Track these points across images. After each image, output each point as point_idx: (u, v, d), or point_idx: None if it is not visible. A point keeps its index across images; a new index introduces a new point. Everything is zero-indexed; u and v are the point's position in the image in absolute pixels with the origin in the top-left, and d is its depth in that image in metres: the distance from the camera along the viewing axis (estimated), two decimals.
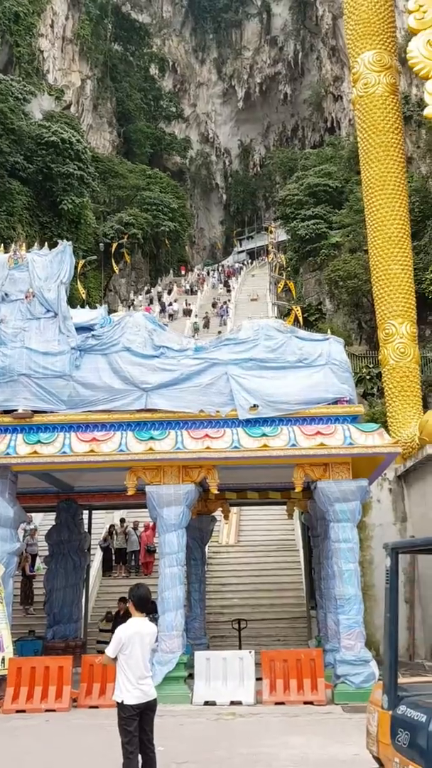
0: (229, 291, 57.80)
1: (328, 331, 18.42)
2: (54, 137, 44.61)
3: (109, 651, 6.66)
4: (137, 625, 6.66)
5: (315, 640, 16.15)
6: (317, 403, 12.65)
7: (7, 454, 12.08)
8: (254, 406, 12.47)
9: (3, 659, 11.45)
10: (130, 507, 19.52)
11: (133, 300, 54.71)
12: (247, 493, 16.64)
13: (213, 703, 11.63)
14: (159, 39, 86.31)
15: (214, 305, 50.03)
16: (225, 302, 52.08)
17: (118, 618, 14.64)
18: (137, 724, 6.43)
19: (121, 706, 6.48)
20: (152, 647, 6.83)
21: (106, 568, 21.52)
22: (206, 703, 11.68)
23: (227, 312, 48.77)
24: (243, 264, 75.38)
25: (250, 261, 77.72)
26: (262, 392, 12.58)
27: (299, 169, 54.52)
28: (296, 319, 36.62)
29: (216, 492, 13.04)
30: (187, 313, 50.66)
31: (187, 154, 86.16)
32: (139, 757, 6.47)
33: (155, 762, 6.59)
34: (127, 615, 14.62)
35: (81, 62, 65.00)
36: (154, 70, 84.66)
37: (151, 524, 20.41)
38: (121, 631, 6.65)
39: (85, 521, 18.04)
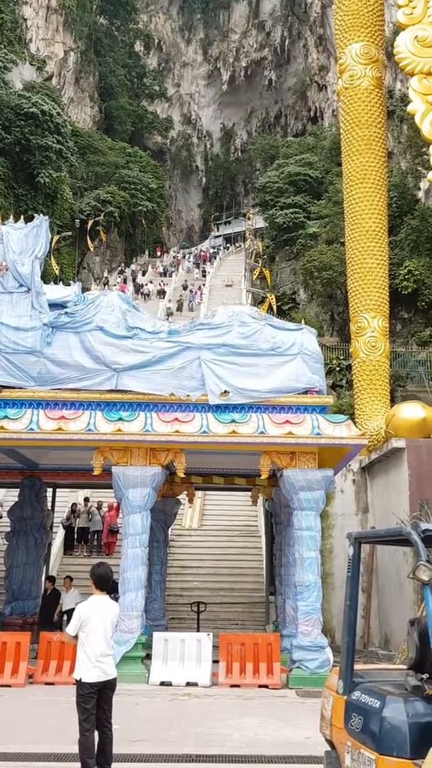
0: (204, 275, 57.63)
1: (302, 321, 18.54)
2: (34, 108, 43.78)
3: (70, 629, 6.69)
4: (98, 603, 6.69)
5: (273, 625, 16.38)
6: (288, 392, 12.75)
7: None
8: (225, 392, 12.51)
9: None
10: (95, 487, 19.50)
11: (107, 278, 54.21)
12: (213, 477, 16.74)
13: (169, 684, 11.75)
14: (146, 15, 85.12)
15: (185, 288, 49.80)
16: (200, 287, 51.91)
17: (45, 596, 14.86)
18: (95, 702, 6.47)
19: (79, 684, 6.51)
20: (113, 626, 6.85)
21: (68, 547, 21.49)
22: (162, 684, 11.79)
23: (200, 297, 48.61)
24: (219, 249, 75.15)
25: (226, 246, 77.53)
26: (233, 379, 12.62)
27: (280, 156, 54.44)
28: (270, 308, 36.70)
29: (182, 475, 13.10)
30: (161, 294, 50.43)
31: (168, 134, 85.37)
32: (96, 734, 6.51)
33: (111, 740, 6.64)
34: (54, 594, 14.71)
35: (65, 33, 63.76)
36: (139, 46, 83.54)
37: (114, 504, 20.42)
38: (82, 608, 6.68)
39: (49, 499, 17.96)
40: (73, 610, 13.68)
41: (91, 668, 6.49)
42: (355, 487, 18.34)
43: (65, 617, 14.76)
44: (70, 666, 11.86)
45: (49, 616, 15.60)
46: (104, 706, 6.58)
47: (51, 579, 16.49)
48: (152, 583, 15.56)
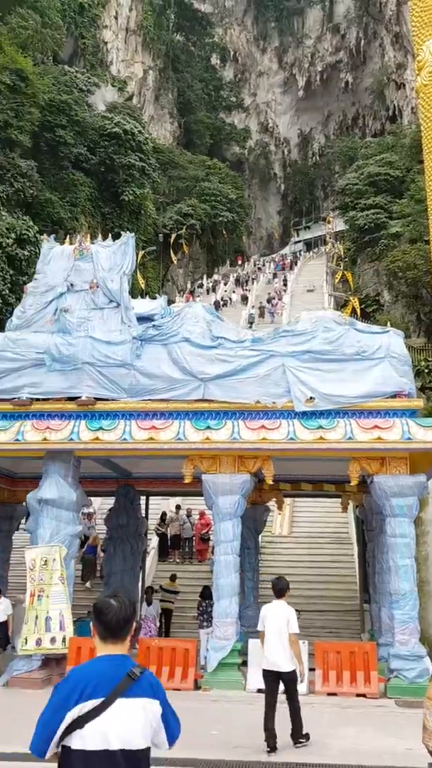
0: (285, 282, 57.57)
1: (387, 323, 18.22)
2: (116, 128, 45.17)
3: (260, 626, 8.46)
4: (274, 607, 8.43)
5: (368, 634, 16.11)
6: (375, 397, 12.57)
7: (71, 439, 12.45)
8: (311, 398, 12.47)
9: (64, 638, 11.84)
10: (187, 494, 19.81)
11: (192, 290, 55.04)
12: (301, 484, 16.67)
13: None
14: (221, 28, 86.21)
15: (269, 301, 49.88)
16: (279, 293, 51.78)
17: None
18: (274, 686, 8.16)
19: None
20: (287, 624, 8.18)
21: (161, 554, 21.92)
22: (260, 691, 11.76)
23: (282, 304, 48.45)
24: (299, 254, 74.79)
25: (306, 251, 77.07)
26: (319, 385, 12.57)
27: (359, 158, 53.79)
28: (354, 311, 36.24)
29: (270, 482, 13.14)
30: (244, 300, 50.66)
31: (246, 144, 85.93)
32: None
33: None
34: None
35: (143, 53, 65.52)
36: (215, 59, 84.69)
37: (205, 512, 20.67)
38: (264, 609, 8.54)
39: (143, 507, 18.40)
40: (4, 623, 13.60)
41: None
42: None
43: None
44: (169, 671, 12.14)
45: None
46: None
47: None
48: (245, 590, 15.66)
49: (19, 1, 39.13)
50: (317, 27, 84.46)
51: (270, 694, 8.24)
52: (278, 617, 8.27)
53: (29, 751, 2.83)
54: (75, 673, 2.96)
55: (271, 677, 8.28)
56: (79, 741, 2.77)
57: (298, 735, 8.24)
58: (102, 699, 2.80)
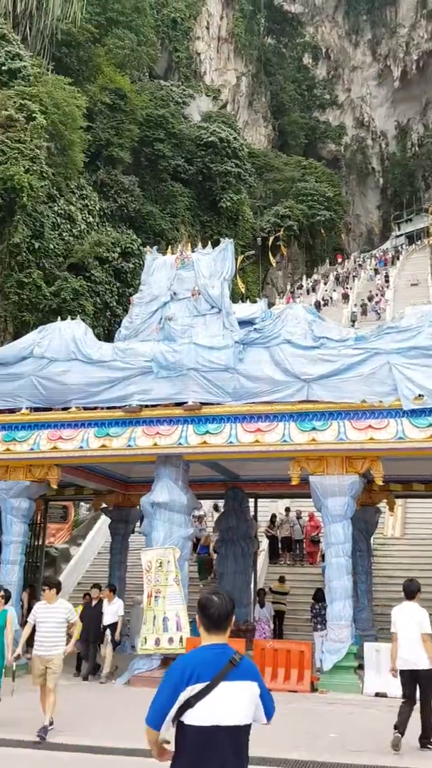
0: (387, 278, 56.25)
1: None
2: (212, 137, 45.85)
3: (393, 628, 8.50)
4: (408, 608, 8.45)
5: None
6: None
7: (180, 444, 12.77)
8: (419, 396, 12.14)
9: (181, 638, 12.13)
10: (295, 496, 19.77)
11: (292, 291, 54.88)
12: (413, 484, 16.25)
13: (384, 695, 11.53)
14: (312, 27, 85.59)
15: (370, 299, 48.83)
16: (382, 289, 50.61)
17: (90, 608, 13.80)
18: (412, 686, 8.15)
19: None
20: (420, 624, 8.23)
21: (272, 556, 21.99)
22: (377, 695, 11.62)
23: (384, 300, 47.33)
24: (401, 248, 72.79)
25: (408, 245, 74.90)
26: (427, 381, 12.21)
27: None
28: None
29: (380, 483, 12.90)
30: (345, 299, 49.92)
31: (341, 140, 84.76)
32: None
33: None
34: (99, 604, 14.07)
35: (236, 60, 66.18)
36: (307, 59, 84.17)
37: (314, 514, 20.54)
38: (395, 610, 8.57)
39: (251, 509, 18.54)
40: (114, 624, 13.61)
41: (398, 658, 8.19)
42: None
43: (107, 631, 13.67)
44: (285, 673, 12.17)
45: (95, 629, 13.72)
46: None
47: (97, 587, 14.82)
48: (358, 593, 15.43)
49: (115, 22, 40.57)
50: (411, 15, 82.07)
51: (409, 694, 8.22)
52: (411, 618, 8.34)
53: (146, 724, 3.31)
54: (184, 659, 3.39)
55: (409, 676, 8.25)
56: (191, 717, 3.22)
57: (428, 737, 8.10)
58: (207, 682, 3.24)
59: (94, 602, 14.10)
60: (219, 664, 3.28)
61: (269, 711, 3.46)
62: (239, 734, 3.27)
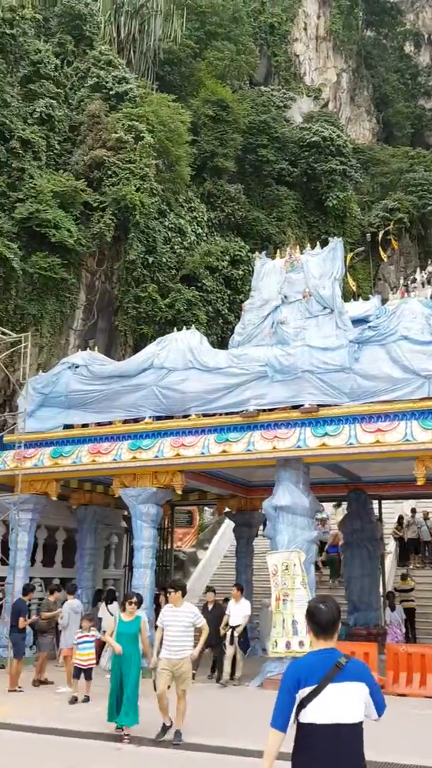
0: None
1: None
2: (315, 137, 45.42)
3: None
4: None
5: None
6: None
7: (299, 447, 12.77)
8: None
9: (311, 642, 12.07)
10: (421, 497, 19.19)
11: (405, 285, 53.27)
12: None
13: None
14: (412, 14, 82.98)
15: None
16: None
17: (206, 611, 13.38)
18: None
19: None
20: None
21: (401, 558, 21.42)
22: None
23: None
24: None
25: None
26: None
27: None
28: None
29: None
30: None
31: None
32: None
33: None
34: (215, 608, 13.57)
35: (335, 57, 65.29)
36: (408, 47, 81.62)
37: None
38: None
39: (376, 511, 18.17)
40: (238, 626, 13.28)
41: None
42: None
43: (232, 632, 13.48)
44: (420, 678, 11.84)
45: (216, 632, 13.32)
46: None
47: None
48: None
49: (214, 35, 41.20)
50: None
51: None
52: None
53: (271, 727, 3.56)
54: (293, 666, 3.70)
55: None
56: (306, 717, 3.51)
57: None
58: (315, 685, 3.50)
59: (210, 606, 14.14)
60: (325, 668, 3.52)
61: (380, 708, 3.65)
62: (352, 733, 3.49)
